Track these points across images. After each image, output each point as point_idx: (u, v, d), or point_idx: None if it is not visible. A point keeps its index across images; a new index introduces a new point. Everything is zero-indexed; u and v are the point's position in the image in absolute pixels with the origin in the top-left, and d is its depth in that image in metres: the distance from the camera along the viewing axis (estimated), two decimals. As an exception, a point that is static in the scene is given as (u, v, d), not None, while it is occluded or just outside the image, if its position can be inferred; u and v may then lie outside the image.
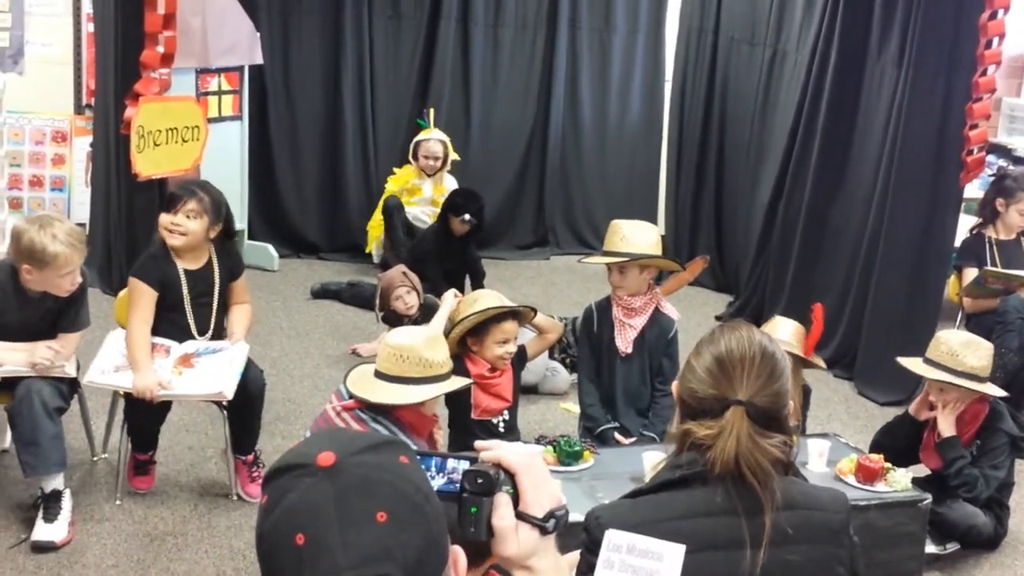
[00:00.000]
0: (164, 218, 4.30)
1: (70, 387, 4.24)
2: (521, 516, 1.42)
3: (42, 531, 4.02)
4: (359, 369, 3.78)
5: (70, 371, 4.20)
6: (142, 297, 4.26)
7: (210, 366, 4.26)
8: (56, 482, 4.10)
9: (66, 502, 4.11)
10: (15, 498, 4.28)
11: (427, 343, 3.64)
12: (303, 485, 1.17)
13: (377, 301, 5.86)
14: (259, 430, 4.51)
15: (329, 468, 1.17)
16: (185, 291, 4.33)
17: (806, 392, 4.54)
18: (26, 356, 4.10)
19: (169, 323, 4.33)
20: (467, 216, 6.68)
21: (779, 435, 2.06)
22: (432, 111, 7.54)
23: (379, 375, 3.64)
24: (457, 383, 3.75)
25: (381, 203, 7.28)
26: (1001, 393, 4.29)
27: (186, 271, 4.34)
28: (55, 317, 4.24)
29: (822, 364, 4.56)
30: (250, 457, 4.46)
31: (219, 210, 4.37)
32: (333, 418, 3.66)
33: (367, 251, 7.50)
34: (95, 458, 4.64)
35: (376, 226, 7.34)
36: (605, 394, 4.62)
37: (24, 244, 4.00)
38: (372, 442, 1.23)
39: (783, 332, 4.36)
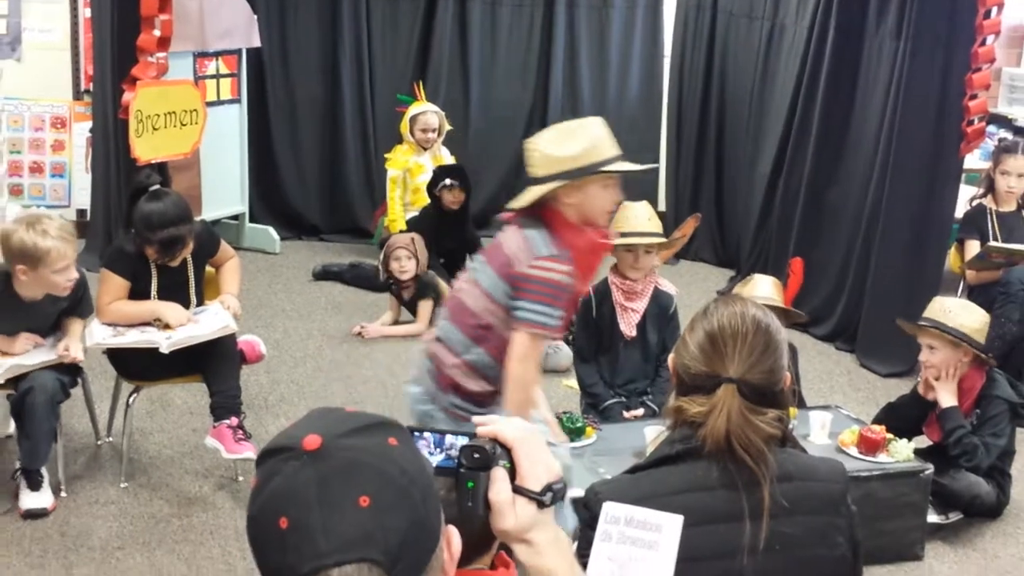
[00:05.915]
0: (150, 253, 4.25)
1: (72, 376, 4.25)
2: (518, 490, 1.43)
3: (30, 499, 4.08)
4: None
5: (79, 354, 4.18)
6: (113, 286, 4.28)
7: (199, 320, 4.34)
8: None
9: (46, 473, 4.17)
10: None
11: (548, 139, 3.18)
12: (289, 468, 1.18)
13: (381, 258, 5.92)
14: (239, 390, 4.33)
15: (314, 452, 1.17)
16: (154, 286, 4.32)
17: (792, 350, 4.51)
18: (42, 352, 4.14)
19: None
20: (448, 181, 6.64)
21: (773, 410, 2.06)
22: (420, 84, 7.49)
23: None
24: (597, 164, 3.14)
25: (397, 202, 7.18)
26: (991, 362, 4.30)
27: (158, 266, 4.31)
28: (55, 321, 4.24)
29: (803, 316, 4.59)
30: (234, 420, 4.22)
31: (201, 236, 4.42)
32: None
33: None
34: (99, 442, 4.66)
35: (399, 219, 7.12)
36: (608, 377, 4.62)
37: (15, 244, 3.92)
38: (361, 423, 1.22)
39: (763, 288, 4.42)
